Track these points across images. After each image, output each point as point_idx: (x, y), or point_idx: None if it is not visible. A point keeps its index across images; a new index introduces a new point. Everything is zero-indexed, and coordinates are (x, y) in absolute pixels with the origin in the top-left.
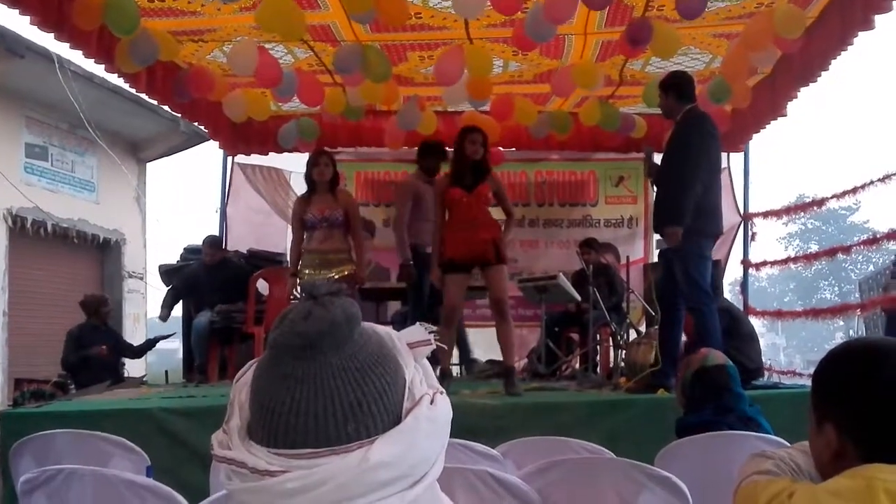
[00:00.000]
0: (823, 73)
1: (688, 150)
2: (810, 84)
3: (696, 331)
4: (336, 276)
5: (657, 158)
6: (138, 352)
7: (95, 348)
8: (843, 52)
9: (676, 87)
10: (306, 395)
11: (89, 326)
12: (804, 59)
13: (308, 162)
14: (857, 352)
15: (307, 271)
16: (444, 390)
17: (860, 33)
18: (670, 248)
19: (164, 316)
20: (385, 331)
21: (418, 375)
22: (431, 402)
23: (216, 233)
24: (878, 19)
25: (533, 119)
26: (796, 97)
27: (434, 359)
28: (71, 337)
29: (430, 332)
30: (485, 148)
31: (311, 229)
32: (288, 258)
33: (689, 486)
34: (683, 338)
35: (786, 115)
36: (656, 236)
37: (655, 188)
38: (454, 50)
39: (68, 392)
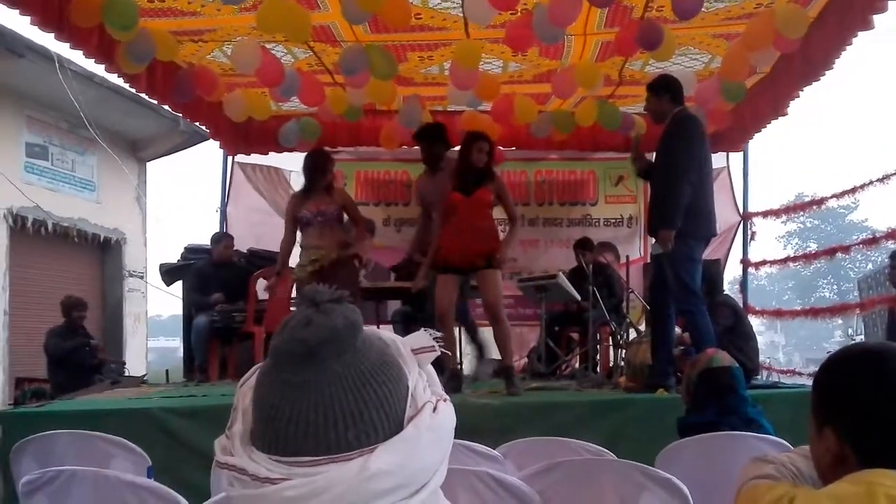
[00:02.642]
0: (825, 72)
1: (677, 152)
2: (813, 83)
3: (690, 333)
4: (335, 257)
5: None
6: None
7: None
8: (842, 52)
9: (671, 89)
10: (307, 403)
11: (67, 329)
12: (804, 59)
13: (314, 164)
14: (856, 357)
15: (301, 268)
16: (448, 397)
17: (859, 33)
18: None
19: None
20: (389, 337)
21: (422, 382)
22: (434, 409)
23: (217, 232)
24: (878, 19)
25: (534, 118)
26: (798, 96)
27: (439, 365)
28: (53, 335)
29: (434, 338)
30: (490, 156)
31: (307, 225)
32: (299, 255)
33: (689, 486)
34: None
35: (787, 115)
36: (651, 239)
37: (648, 184)
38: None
39: (61, 388)
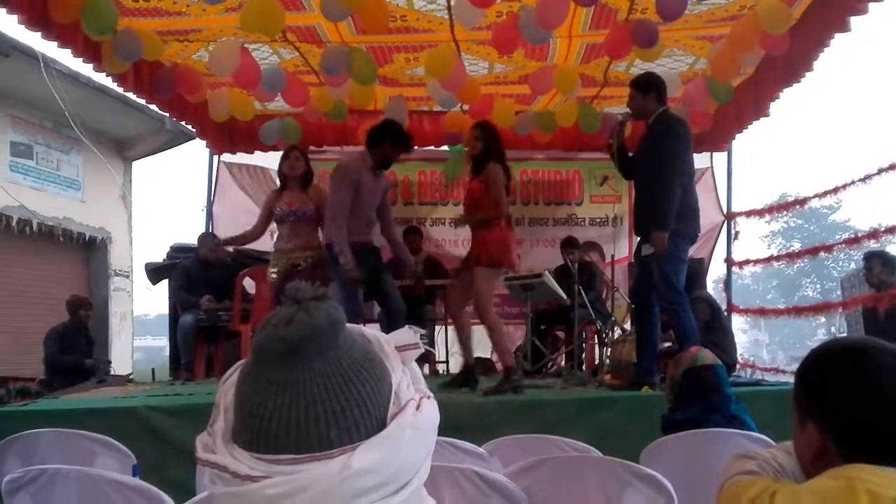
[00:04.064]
0: (807, 74)
1: (668, 154)
2: (794, 84)
3: (674, 331)
4: (303, 265)
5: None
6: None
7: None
8: (821, 54)
9: (657, 88)
10: (288, 401)
11: (73, 327)
12: (787, 60)
13: (281, 157)
14: (838, 351)
15: (274, 271)
16: (431, 395)
17: (837, 35)
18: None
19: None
20: (372, 334)
21: (405, 380)
22: (418, 407)
23: (203, 231)
24: (856, 21)
25: (511, 121)
26: (779, 98)
27: (423, 360)
28: (56, 335)
29: (418, 336)
30: (484, 143)
31: (280, 223)
32: (271, 257)
33: (673, 482)
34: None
35: (769, 116)
36: (636, 238)
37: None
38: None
39: (54, 390)
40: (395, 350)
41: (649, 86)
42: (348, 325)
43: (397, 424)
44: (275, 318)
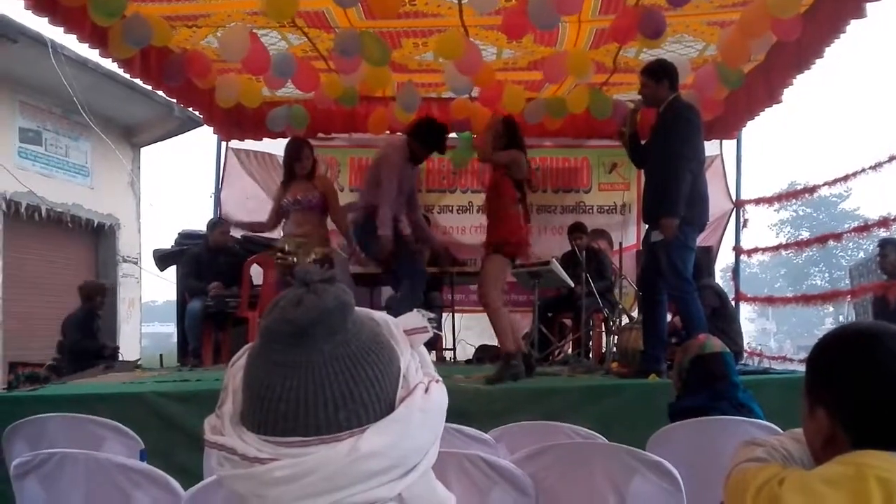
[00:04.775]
0: (817, 61)
1: (678, 140)
2: (805, 71)
3: (682, 319)
4: (312, 260)
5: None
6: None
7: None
8: (836, 40)
9: (670, 75)
10: (296, 383)
11: (89, 313)
12: (799, 46)
13: (288, 152)
14: (850, 336)
15: (281, 254)
16: (440, 378)
17: (852, 21)
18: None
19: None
20: (381, 317)
21: (414, 363)
22: (426, 390)
23: (213, 217)
24: (871, 7)
25: (521, 107)
26: (791, 84)
27: (430, 346)
28: (76, 322)
29: (427, 319)
30: (507, 137)
31: (286, 213)
32: (279, 242)
33: (680, 470)
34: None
35: (781, 102)
36: (644, 226)
37: (643, 172)
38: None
39: (63, 375)
40: (404, 333)
41: (662, 73)
42: (357, 308)
43: (406, 407)
44: (283, 301)
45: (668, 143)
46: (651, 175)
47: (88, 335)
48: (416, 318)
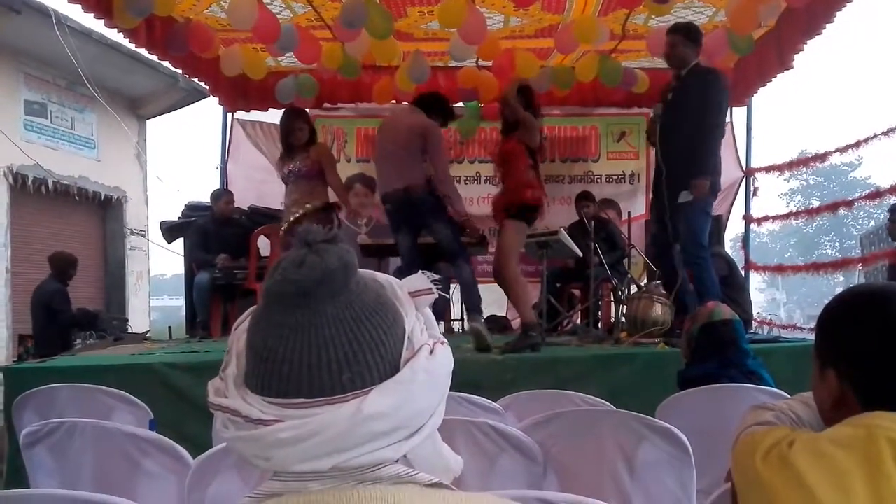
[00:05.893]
0: (828, 26)
1: (712, 104)
2: (815, 37)
3: (695, 285)
4: (301, 214)
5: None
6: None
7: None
8: (847, 5)
9: (696, 38)
10: (300, 345)
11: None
12: (809, 12)
13: (282, 125)
14: (860, 297)
15: (282, 229)
16: (445, 340)
17: None
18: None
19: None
20: (385, 279)
21: (419, 325)
22: (431, 352)
23: (217, 188)
24: None
25: (535, 73)
26: (802, 50)
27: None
28: (64, 294)
29: (432, 281)
30: (524, 105)
31: (285, 184)
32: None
33: (689, 437)
34: None
35: (792, 68)
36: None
37: (659, 148)
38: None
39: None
40: (409, 295)
41: (697, 34)
42: (361, 269)
43: (410, 369)
44: (285, 262)
45: (702, 106)
46: (676, 138)
47: (62, 309)
48: (420, 279)
